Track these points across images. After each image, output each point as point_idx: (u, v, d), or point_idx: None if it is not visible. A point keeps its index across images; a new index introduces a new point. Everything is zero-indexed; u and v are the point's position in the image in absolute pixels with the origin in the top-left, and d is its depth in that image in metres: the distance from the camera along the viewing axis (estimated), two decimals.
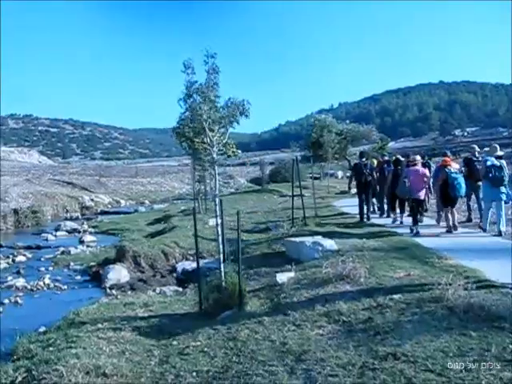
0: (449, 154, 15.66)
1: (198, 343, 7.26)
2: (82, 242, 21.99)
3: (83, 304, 11.26)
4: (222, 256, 9.02)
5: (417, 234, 13.79)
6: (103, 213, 35.76)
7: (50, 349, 7.88)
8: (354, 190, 22.83)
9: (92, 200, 38.95)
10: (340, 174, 59.36)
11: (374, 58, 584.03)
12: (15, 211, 29.94)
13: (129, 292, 12.94)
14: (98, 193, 42.46)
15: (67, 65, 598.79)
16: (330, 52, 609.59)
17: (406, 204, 15.82)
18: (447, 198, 14.03)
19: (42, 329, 9.78)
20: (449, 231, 14.00)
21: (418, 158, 15.51)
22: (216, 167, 9.04)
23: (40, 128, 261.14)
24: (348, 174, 49.52)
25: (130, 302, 10.46)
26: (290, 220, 17.65)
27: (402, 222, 16.07)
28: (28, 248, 20.77)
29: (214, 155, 8.91)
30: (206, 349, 6.98)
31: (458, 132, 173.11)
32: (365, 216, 16.98)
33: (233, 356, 6.53)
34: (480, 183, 14.46)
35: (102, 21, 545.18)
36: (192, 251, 16.18)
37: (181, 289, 12.89)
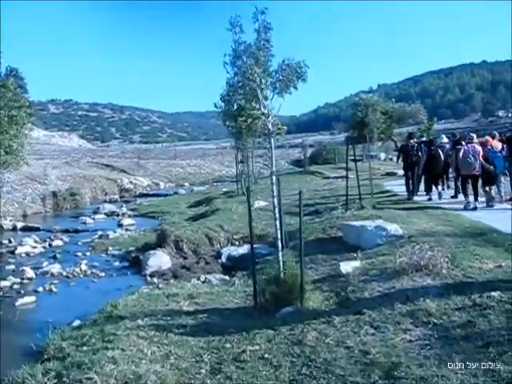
0: (496, 134, 16.62)
1: (257, 347, 6.07)
2: (120, 225, 21.12)
3: (122, 294, 10.26)
4: (279, 243, 7.78)
5: (475, 209, 14.13)
6: (142, 195, 34.93)
7: (84, 348, 6.83)
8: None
9: (131, 182, 38.18)
10: (383, 155, 57.49)
11: (415, 37, 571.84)
12: (54, 194, 29.27)
13: (171, 280, 11.85)
14: (136, 175, 41.67)
15: (105, 49, 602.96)
16: (367, 32, 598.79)
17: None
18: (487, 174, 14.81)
19: (77, 322, 8.78)
20: (488, 205, 14.62)
21: (475, 136, 15.76)
22: (272, 140, 7.74)
23: (80, 113, 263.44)
24: (390, 157, 47.62)
25: (173, 292, 9.33)
26: (340, 202, 16.46)
27: (439, 197, 16.89)
28: (65, 231, 19.94)
29: (270, 126, 7.64)
30: (266, 355, 5.79)
31: (502, 113, 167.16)
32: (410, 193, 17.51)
33: (302, 367, 5.31)
34: None
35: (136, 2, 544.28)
36: (238, 236, 15.11)
37: (227, 277, 11.80)
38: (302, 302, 7.27)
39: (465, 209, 14.28)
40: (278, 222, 7.68)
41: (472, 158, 14.45)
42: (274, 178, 7.70)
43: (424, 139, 20.18)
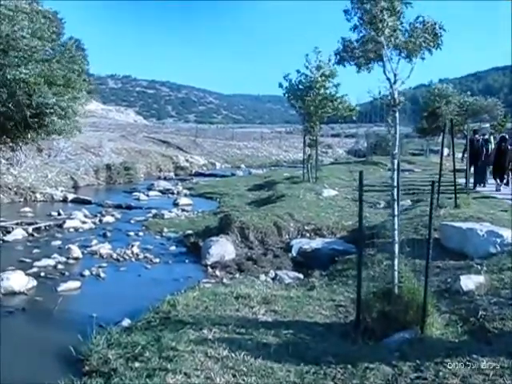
0: None
1: None
2: (176, 204, 19.62)
3: (179, 286, 8.76)
4: (397, 246, 5.96)
5: None
6: (198, 174, 33.48)
7: (136, 365, 5.29)
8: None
9: (187, 160, 36.77)
10: (446, 150, 54.76)
11: (479, 32, 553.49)
12: (108, 166, 28.20)
13: (236, 275, 10.23)
14: (193, 153, 40.22)
15: (166, 28, 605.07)
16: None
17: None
18: None
19: (126, 322, 7.19)
20: None
21: None
22: (397, 113, 5.86)
23: (138, 89, 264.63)
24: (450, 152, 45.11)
25: (243, 293, 7.68)
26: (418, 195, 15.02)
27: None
28: (118, 207, 18.61)
29: (396, 95, 5.79)
30: None
31: None
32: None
33: None
34: None
35: None
36: (309, 227, 13.34)
37: (301, 275, 10.06)
38: (423, 327, 5.49)
39: None
40: (396, 220, 5.86)
41: None
42: (395, 162, 5.84)
43: (486, 137, 21.22)
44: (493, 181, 19.02)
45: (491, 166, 19.34)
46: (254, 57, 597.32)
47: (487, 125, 44.46)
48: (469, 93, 39.56)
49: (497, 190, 17.95)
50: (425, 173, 27.22)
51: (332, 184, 21.73)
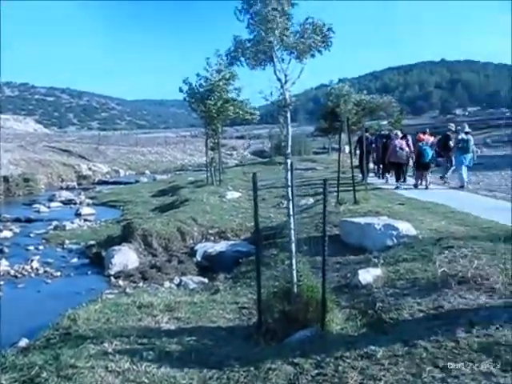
0: (427, 130, 20.88)
1: None
2: (78, 214, 19.09)
3: (81, 299, 8.44)
4: (293, 246, 5.99)
5: (398, 188, 17.93)
6: (101, 182, 32.92)
7: None
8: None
9: (89, 169, 35.88)
10: (347, 148, 56.43)
11: (375, 33, 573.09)
12: (5, 179, 27.00)
13: (140, 283, 10.07)
14: (95, 161, 39.30)
15: (63, 32, 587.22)
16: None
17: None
18: (419, 163, 18.19)
19: (24, 342, 6.89)
20: (415, 186, 18.16)
21: (399, 133, 19.82)
22: (289, 114, 5.89)
23: (36, 97, 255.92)
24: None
25: (146, 302, 7.50)
26: (319, 194, 15.02)
27: (387, 181, 20.44)
28: (16, 221, 17.85)
29: (287, 95, 5.83)
30: None
31: (458, 111, 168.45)
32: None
33: None
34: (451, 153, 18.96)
35: None
36: (213, 230, 13.36)
37: (206, 280, 10.04)
38: (324, 323, 5.58)
39: (396, 188, 17.93)
40: (292, 220, 5.90)
41: (400, 151, 18.20)
42: (289, 162, 5.90)
43: (382, 133, 23.32)
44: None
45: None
46: (157, 60, 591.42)
47: (385, 122, 46.19)
48: (365, 92, 40.75)
49: (387, 182, 20.28)
50: (327, 170, 27.92)
51: (236, 186, 21.87)
